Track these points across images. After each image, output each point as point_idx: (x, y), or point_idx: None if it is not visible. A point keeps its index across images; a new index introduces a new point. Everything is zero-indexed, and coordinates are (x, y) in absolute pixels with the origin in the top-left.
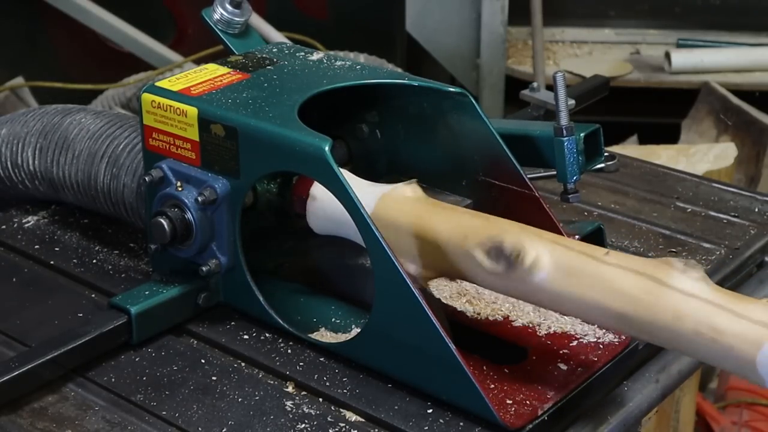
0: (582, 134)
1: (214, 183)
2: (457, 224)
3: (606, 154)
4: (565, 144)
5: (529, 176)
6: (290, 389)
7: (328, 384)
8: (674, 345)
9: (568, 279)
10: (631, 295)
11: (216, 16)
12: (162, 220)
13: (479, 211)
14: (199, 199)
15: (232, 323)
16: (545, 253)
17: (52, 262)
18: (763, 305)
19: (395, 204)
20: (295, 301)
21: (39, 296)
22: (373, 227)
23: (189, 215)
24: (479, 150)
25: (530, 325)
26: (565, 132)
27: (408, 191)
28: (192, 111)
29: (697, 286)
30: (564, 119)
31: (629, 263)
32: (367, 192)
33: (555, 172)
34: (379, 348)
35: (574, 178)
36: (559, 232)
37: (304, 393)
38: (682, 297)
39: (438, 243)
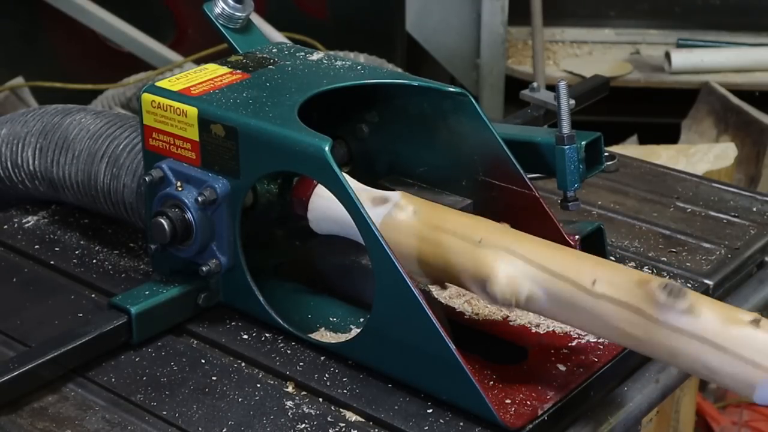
0: (583, 142)
1: (214, 183)
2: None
3: (606, 153)
4: (566, 152)
5: (528, 176)
6: (290, 389)
7: (328, 384)
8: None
9: (563, 311)
10: (626, 332)
11: (217, 10)
12: (162, 220)
13: (479, 211)
14: (199, 199)
15: (232, 323)
16: (538, 290)
17: (52, 262)
18: (752, 332)
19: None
20: (295, 301)
21: (39, 296)
22: (373, 227)
23: (189, 215)
24: (479, 150)
25: (529, 325)
26: (566, 140)
27: (402, 215)
28: (192, 111)
29: (684, 320)
30: (566, 127)
31: (617, 293)
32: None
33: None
34: (379, 348)
35: (575, 186)
36: (560, 233)
37: (304, 393)
38: (672, 335)
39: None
